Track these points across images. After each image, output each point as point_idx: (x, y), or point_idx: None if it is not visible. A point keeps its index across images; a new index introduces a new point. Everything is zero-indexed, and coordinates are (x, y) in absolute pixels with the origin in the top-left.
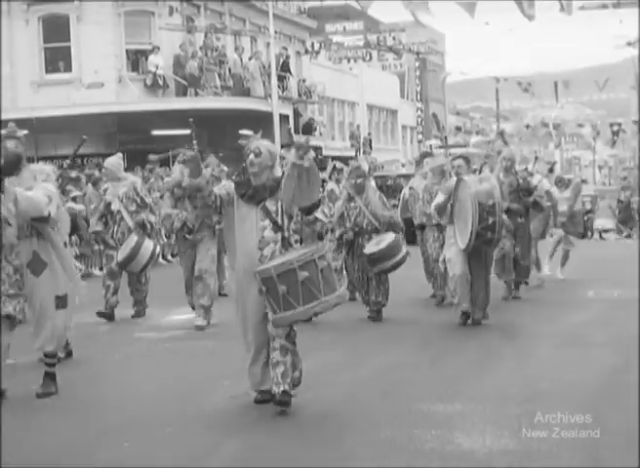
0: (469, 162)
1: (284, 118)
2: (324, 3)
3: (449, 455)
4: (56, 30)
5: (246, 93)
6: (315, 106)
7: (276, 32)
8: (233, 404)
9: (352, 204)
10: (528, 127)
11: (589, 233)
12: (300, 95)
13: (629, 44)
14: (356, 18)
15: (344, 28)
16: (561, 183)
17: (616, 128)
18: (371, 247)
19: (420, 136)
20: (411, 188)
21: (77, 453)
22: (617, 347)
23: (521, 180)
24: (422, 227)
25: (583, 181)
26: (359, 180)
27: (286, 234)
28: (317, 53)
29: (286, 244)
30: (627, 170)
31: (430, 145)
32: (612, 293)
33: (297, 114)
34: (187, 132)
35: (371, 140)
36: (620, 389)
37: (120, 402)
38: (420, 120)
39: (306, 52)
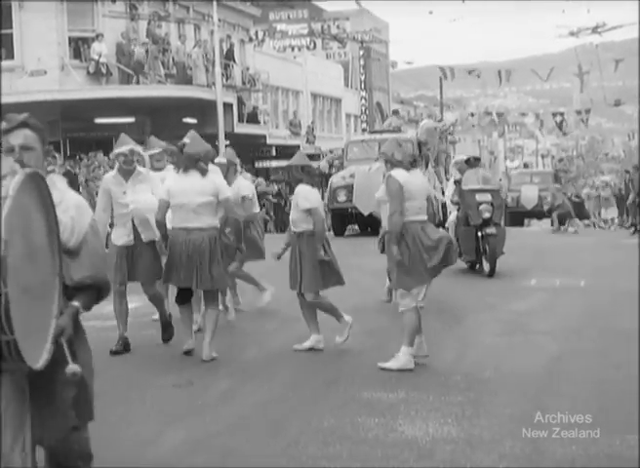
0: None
1: (228, 106)
2: None
3: (392, 443)
4: None
5: (189, 81)
6: (259, 95)
7: (220, 20)
8: (174, 393)
9: None
10: (472, 115)
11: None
12: (243, 83)
13: (572, 34)
14: (300, 6)
15: (288, 16)
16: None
17: (559, 118)
18: None
19: (364, 125)
20: None
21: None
22: (558, 335)
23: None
24: None
25: (526, 166)
26: None
27: None
28: (261, 41)
29: None
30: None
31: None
32: (554, 282)
33: (240, 102)
34: (131, 120)
35: (314, 129)
36: (562, 377)
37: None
38: (363, 109)
39: (250, 40)
